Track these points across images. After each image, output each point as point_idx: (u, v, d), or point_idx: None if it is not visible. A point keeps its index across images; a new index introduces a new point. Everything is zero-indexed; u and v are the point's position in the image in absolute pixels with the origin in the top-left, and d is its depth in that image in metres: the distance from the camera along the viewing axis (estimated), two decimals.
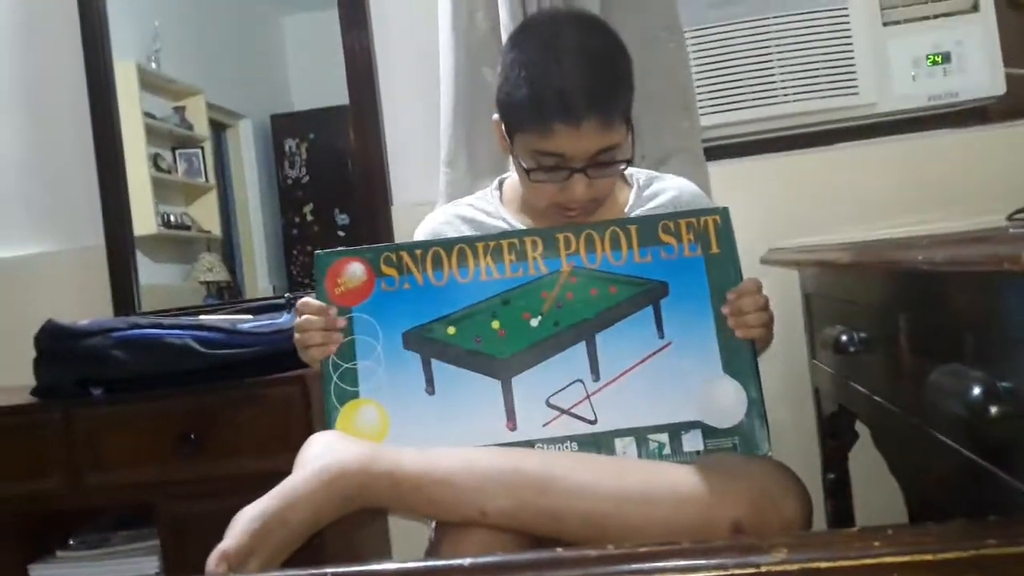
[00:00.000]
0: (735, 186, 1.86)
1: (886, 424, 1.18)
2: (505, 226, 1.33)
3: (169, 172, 2.31)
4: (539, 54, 1.19)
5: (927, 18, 1.82)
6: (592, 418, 1.07)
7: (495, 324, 1.10)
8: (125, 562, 1.71)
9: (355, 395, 1.11)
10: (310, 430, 1.59)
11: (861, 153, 1.88)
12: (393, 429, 1.09)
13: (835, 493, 1.66)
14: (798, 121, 1.87)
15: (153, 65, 2.32)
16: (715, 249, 1.11)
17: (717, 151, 1.88)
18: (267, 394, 1.61)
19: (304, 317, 1.15)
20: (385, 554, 1.90)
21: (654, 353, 1.09)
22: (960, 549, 0.62)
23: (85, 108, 2.15)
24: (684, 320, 1.10)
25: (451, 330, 1.11)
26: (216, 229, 2.38)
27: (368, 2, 2.06)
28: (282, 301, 1.94)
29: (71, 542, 1.77)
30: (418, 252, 1.13)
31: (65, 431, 1.65)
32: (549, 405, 1.08)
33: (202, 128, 2.37)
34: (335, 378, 1.12)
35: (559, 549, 0.66)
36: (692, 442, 1.06)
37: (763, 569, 0.62)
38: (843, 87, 1.83)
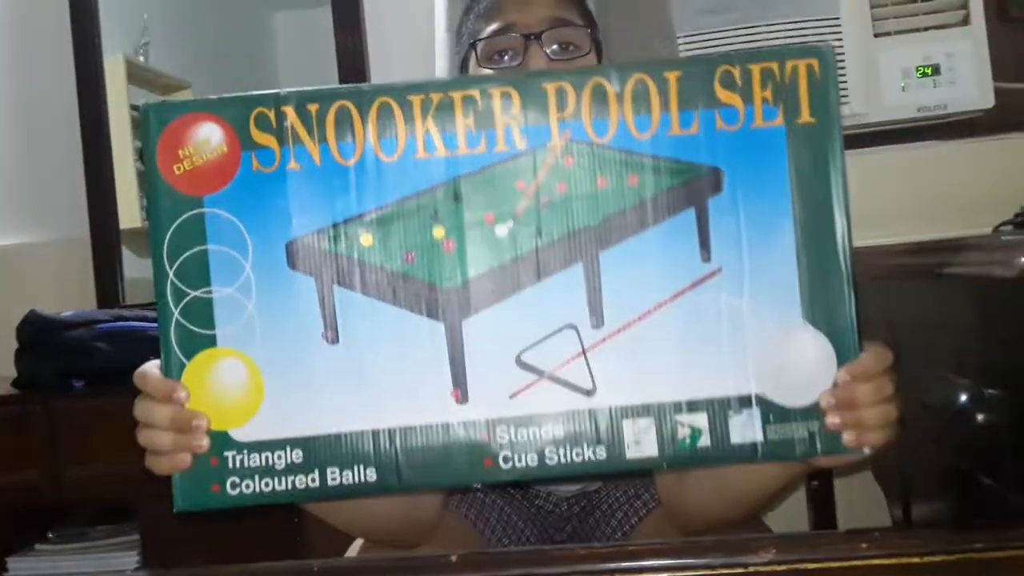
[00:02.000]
0: None
1: None
2: None
3: None
4: None
5: (918, 30, 1.83)
6: (589, 386, 0.70)
7: (438, 232, 0.70)
8: (104, 557, 1.69)
9: (209, 341, 0.71)
10: None
11: (850, 163, 1.83)
12: (269, 399, 0.71)
13: (819, 500, 1.66)
14: None
15: (141, 58, 2.30)
16: (807, 116, 0.71)
17: None
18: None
19: (142, 402, 0.76)
20: None
21: (693, 285, 0.70)
22: (947, 553, 0.62)
23: (73, 99, 2.13)
24: (746, 233, 0.70)
25: (366, 239, 0.71)
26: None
27: (362, 1, 2.06)
28: None
29: (50, 535, 1.75)
30: (312, 108, 0.70)
31: (46, 424, 1.64)
32: (521, 364, 0.70)
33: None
34: (176, 313, 0.72)
35: (547, 546, 0.66)
36: (745, 429, 0.69)
37: (751, 569, 0.62)
38: None
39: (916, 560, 0.62)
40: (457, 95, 0.70)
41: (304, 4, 2.31)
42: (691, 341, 0.70)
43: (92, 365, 1.64)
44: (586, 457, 0.69)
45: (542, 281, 0.70)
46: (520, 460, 0.69)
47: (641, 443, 0.69)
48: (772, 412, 0.69)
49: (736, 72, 0.70)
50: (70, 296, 2.02)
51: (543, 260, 0.70)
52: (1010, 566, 0.60)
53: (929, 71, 1.82)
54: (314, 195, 0.70)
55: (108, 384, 1.65)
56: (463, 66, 1.06)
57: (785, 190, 0.70)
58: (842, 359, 0.70)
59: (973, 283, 0.81)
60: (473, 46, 1.02)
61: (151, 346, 1.61)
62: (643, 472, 0.99)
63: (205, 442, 0.70)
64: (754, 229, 0.70)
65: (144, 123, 0.71)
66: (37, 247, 2.15)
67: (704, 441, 0.69)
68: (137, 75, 2.28)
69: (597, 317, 0.70)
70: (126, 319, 1.68)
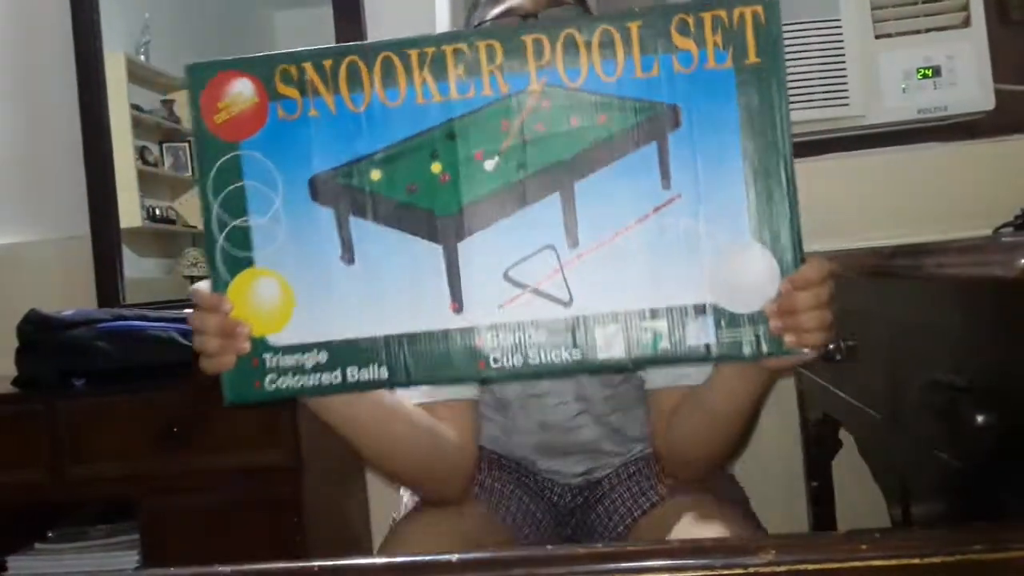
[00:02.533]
0: None
1: (871, 432, 1.18)
2: None
3: (155, 165, 2.30)
4: None
5: (919, 32, 1.83)
6: (566, 298, 0.80)
7: (435, 167, 0.81)
8: (104, 556, 1.69)
9: (248, 262, 0.84)
10: (296, 426, 1.59)
11: (850, 164, 1.90)
12: (299, 310, 0.83)
13: (818, 500, 1.67)
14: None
15: (142, 57, 2.31)
16: (753, 57, 0.79)
17: None
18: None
19: (195, 313, 0.87)
20: (361, 492, 1.90)
21: (656, 209, 0.80)
22: (946, 554, 0.62)
23: (74, 98, 2.13)
24: (701, 163, 0.79)
25: (375, 175, 0.82)
26: (201, 224, 2.36)
27: (363, 0, 2.06)
28: None
29: (50, 535, 1.75)
30: (327, 63, 0.82)
31: (47, 422, 1.64)
32: (508, 279, 0.81)
33: (190, 122, 2.35)
34: (220, 240, 0.84)
35: (549, 547, 0.66)
36: (699, 333, 0.78)
37: (751, 570, 0.62)
38: (834, 98, 1.84)
39: (916, 561, 0.62)
40: (448, 48, 0.81)
41: (305, 3, 2.31)
42: (654, 258, 0.80)
43: (92, 364, 1.64)
44: (563, 358, 0.80)
45: (525, 208, 0.81)
46: (508, 361, 0.81)
47: (611, 345, 0.80)
48: (723, 318, 0.79)
49: (690, 20, 0.79)
50: (70, 295, 2.02)
51: (526, 190, 0.81)
52: (1009, 567, 0.61)
53: (930, 73, 1.82)
54: (331, 138, 0.83)
55: (108, 383, 1.66)
56: None
57: (735, 124, 0.79)
58: (785, 271, 0.79)
59: (973, 284, 0.81)
60: (479, 27, 1.12)
61: (151, 345, 1.64)
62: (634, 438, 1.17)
63: (247, 345, 0.83)
64: (708, 159, 0.79)
65: (189, 80, 0.85)
66: (38, 246, 2.16)
67: (664, 344, 0.79)
68: (138, 74, 2.28)
69: (572, 238, 0.81)
70: (126, 318, 1.68)
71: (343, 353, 0.83)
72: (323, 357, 0.83)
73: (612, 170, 0.80)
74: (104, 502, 1.82)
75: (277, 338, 0.84)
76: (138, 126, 2.26)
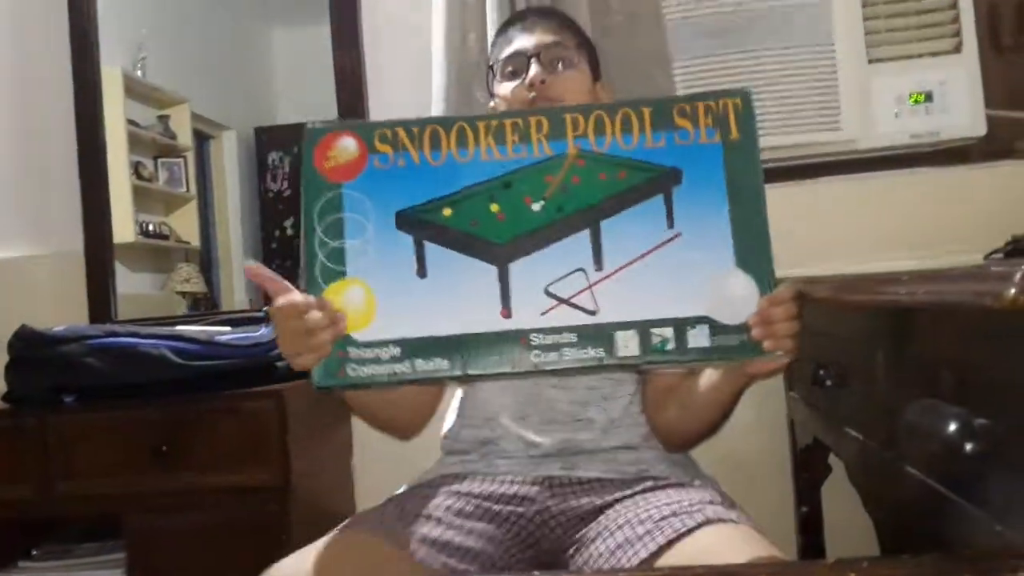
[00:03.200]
0: None
1: (861, 458, 1.18)
2: None
3: (150, 181, 2.30)
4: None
5: (911, 57, 1.85)
6: (593, 308, 1.00)
7: (494, 207, 1.05)
8: (89, 574, 1.68)
9: (342, 274, 1.04)
10: (285, 446, 1.59)
11: (842, 188, 1.90)
12: (380, 312, 1.02)
13: (807, 526, 1.66)
14: (781, 154, 1.88)
15: (138, 73, 2.31)
16: (735, 134, 1.03)
17: None
18: (243, 408, 1.60)
19: (308, 317, 1.00)
20: (349, 512, 1.88)
21: (662, 244, 1.02)
22: None
23: (70, 112, 2.14)
24: (697, 211, 1.02)
25: (447, 212, 1.05)
26: (195, 240, 2.37)
27: (360, 19, 2.07)
28: (261, 314, 1.93)
29: (35, 552, 1.74)
30: (415, 129, 1.06)
31: (36, 439, 1.63)
32: (547, 294, 1.01)
33: (185, 138, 2.36)
34: (321, 256, 1.05)
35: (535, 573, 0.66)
36: (698, 339, 0.99)
37: None
38: (826, 122, 1.85)
39: None
40: (508, 122, 1.06)
41: (302, 21, 2.32)
42: (661, 280, 1.01)
43: (83, 380, 1.64)
44: (591, 355, 1.00)
45: (562, 241, 1.03)
46: (547, 357, 1.00)
47: (628, 346, 0.99)
48: (716, 328, 0.99)
49: (688, 107, 1.05)
50: (63, 310, 2.02)
51: (562, 227, 1.03)
52: None
53: (922, 98, 1.83)
54: (414, 183, 1.05)
55: (98, 400, 1.65)
56: (488, 77, 1.43)
57: (722, 184, 1.03)
58: (763, 291, 0.99)
59: (963, 312, 0.81)
60: (491, 67, 1.40)
61: (142, 363, 1.63)
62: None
63: (344, 325, 1.00)
64: (702, 208, 1.02)
65: (307, 136, 1.06)
66: (31, 260, 2.15)
67: (671, 346, 0.99)
68: (134, 89, 2.29)
69: (599, 263, 1.02)
70: (118, 335, 1.67)
71: (413, 348, 1.01)
72: (396, 351, 1.01)
73: (629, 214, 1.03)
74: (90, 519, 1.81)
75: (361, 335, 1.01)
76: (133, 141, 2.26)
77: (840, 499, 1.45)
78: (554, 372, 1.02)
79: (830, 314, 1.28)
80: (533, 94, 1.30)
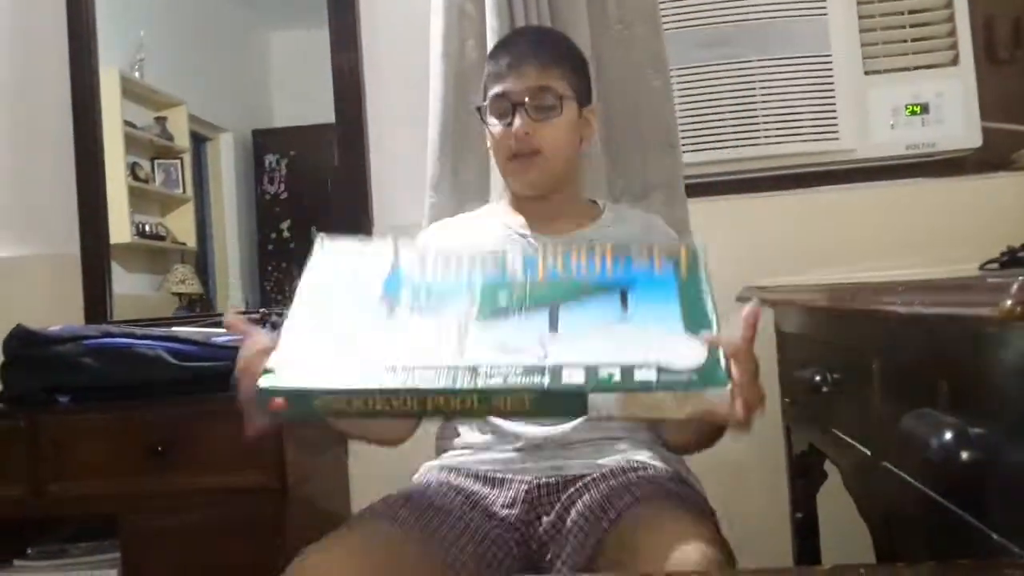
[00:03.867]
0: (715, 224, 1.88)
1: (856, 465, 1.19)
2: (499, 223, 1.43)
3: (146, 182, 2.30)
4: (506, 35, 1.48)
5: (908, 69, 1.86)
6: (543, 354, 1.04)
7: (473, 303, 1.13)
8: (83, 574, 1.68)
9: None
10: (281, 448, 1.59)
11: (838, 197, 1.91)
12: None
13: (803, 533, 1.67)
14: (778, 163, 1.89)
15: (136, 74, 2.31)
16: (684, 272, 1.14)
17: (698, 188, 1.90)
18: (238, 409, 1.59)
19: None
20: (344, 514, 1.88)
21: (615, 322, 1.09)
22: None
23: (68, 113, 2.14)
24: (650, 306, 1.10)
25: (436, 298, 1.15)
26: (191, 241, 2.37)
27: (359, 23, 2.07)
28: (257, 316, 1.93)
29: (29, 551, 1.74)
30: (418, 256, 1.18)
31: (30, 438, 1.63)
32: (502, 349, 1.06)
33: (182, 139, 2.36)
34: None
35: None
36: (644, 374, 1.01)
37: None
38: (823, 132, 1.86)
39: None
40: (490, 256, 1.16)
41: (301, 24, 2.32)
42: (613, 343, 1.05)
43: (78, 381, 1.63)
44: (535, 381, 1.01)
45: (522, 314, 1.11)
46: (491, 381, 1.01)
47: (573, 376, 1.01)
48: (663, 370, 1.01)
49: (645, 249, 1.17)
50: (59, 310, 2.01)
51: (525, 309, 1.11)
52: None
53: (918, 109, 1.85)
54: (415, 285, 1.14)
55: (93, 400, 1.65)
56: (480, 110, 1.46)
57: (675, 297, 1.11)
58: (711, 355, 1.03)
59: (959, 322, 0.82)
60: (480, 106, 1.44)
61: (137, 363, 1.63)
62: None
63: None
64: (655, 305, 1.10)
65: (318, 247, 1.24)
66: (27, 260, 2.15)
67: (616, 379, 1.01)
68: (131, 91, 2.29)
69: (554, 328, 1.08)
70: (113, 335, 1.67)
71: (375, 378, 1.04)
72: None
73: (587, 300, 1.11)
74: (85, 519, 1.80)
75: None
76: (130, 142, 2.26)
77: (836, 506, 1.45)
78: (496, 393, 1.03)
79: (827, 322, 1.28)
80: (517, 147, 1.36)
